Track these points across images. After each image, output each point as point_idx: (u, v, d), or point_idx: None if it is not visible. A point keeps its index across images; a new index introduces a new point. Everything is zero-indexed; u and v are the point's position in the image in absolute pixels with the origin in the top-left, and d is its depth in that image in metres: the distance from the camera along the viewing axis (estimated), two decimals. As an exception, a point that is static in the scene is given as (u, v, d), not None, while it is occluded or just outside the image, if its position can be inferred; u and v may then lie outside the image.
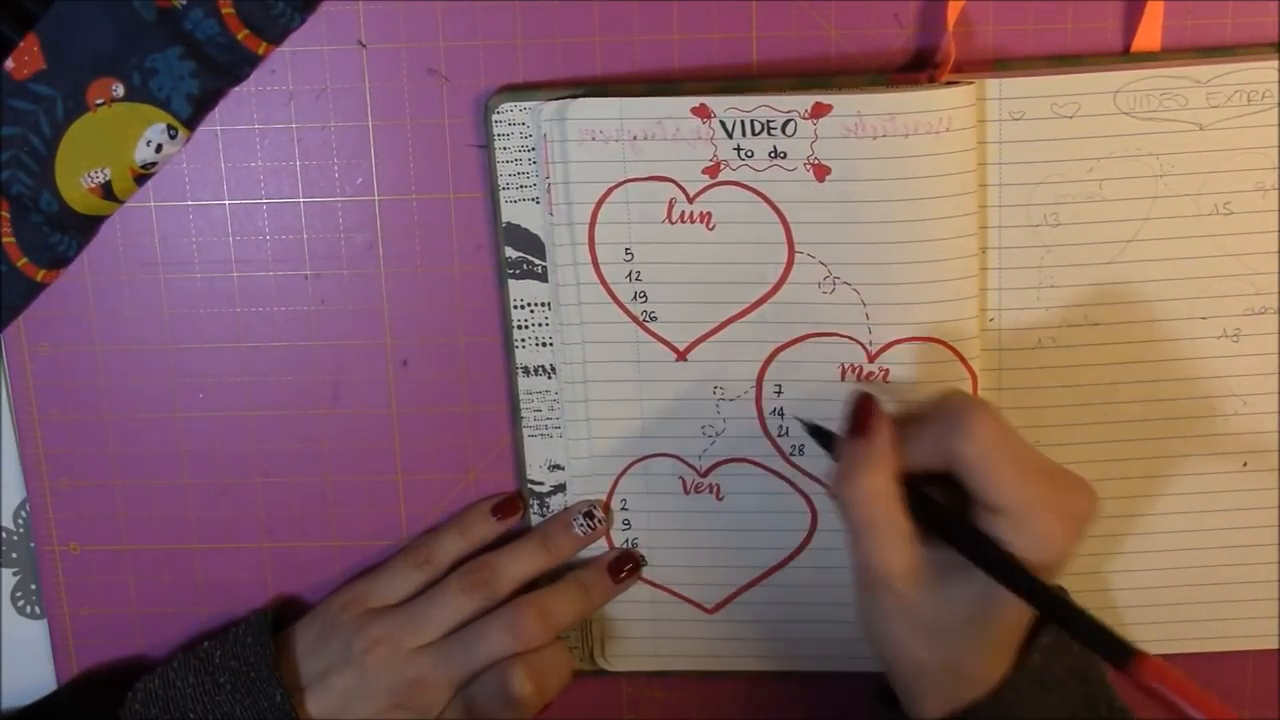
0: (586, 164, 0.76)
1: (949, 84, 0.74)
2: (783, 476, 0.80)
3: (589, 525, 0.81)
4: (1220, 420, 0.80)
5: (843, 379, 0.78)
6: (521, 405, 0.81)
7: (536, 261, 0.79)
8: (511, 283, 0.79)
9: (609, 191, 0.76)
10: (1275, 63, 0.75)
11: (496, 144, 0.77)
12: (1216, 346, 0.79)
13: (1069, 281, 0.78)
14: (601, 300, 0.78)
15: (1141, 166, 0.76)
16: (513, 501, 0.82)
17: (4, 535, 0.86)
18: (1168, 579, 0.82)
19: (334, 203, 0.80)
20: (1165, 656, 0.69)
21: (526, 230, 0.78)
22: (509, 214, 0.78)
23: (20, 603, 0.87)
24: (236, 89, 0.78)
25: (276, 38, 0.76)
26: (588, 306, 0.78)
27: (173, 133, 0.76)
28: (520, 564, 0.80)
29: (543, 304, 0.79)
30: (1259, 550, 0.82)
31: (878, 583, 0.70)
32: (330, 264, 0.81)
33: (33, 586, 0.87)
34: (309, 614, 0.81)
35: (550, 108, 0.75)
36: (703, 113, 0.74)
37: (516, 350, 0.80)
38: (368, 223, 0.80)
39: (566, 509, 0.82)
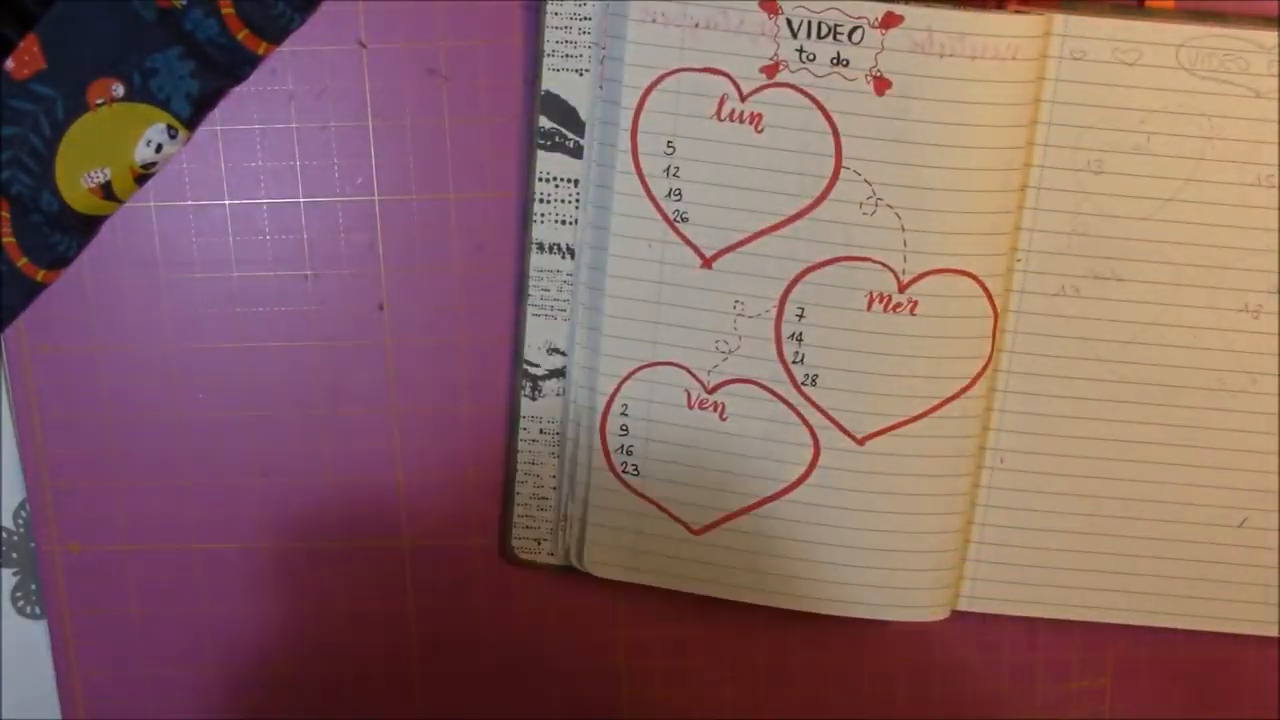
0: (642, 46, 0.73)
1: (1019, 12, 0.72)
2: (791, 405, 0.78)
3: None
4: (1227, 395, 0.79)
5: (869, 309, 0.75)
6: (530, 282, 0.79)
7: (570, 135, 0.76)
8: (541, 154, 0.77)
9: (661, 79, 0.73)
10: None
11: (549, 5, 0.74)
12: (1236, 320, 0.78)
13: (1101, 232, 0.76)
14: (634, 192, 0.75)
15: (1192, 125, 0.75)
16: None
17: (4, 535, 0.87)
18: (1162, 549, 0.81)
19: (334, 203, 0.80)
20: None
21: (565, 102, 0.76)
22: (549, 82, 0.76)
23: (20, 603, 0.87)
24: (236, 89, 0.78)
25: (276, 38, 0.76)
26: (620, 196, 0.75)
27: (173, 133, 0.76)
28: None
29: (570, 180, 0.77)
30: (1261, 534, 0.81)
31: None
32: (330, 264, 0.81)
33: (33, 586, 0.87)
34: None
35: (614, -23, 0.72)
36: (770, 8, 0.72)
37: (535, 224, 0.78)
38: (368, 223, 0.80)
39: None
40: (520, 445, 0.81)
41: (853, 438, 0.77)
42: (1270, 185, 0.76)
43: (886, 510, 0.78)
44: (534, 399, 0.81)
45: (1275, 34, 0.74)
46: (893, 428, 0.77)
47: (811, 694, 0.86)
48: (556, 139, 0.76)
